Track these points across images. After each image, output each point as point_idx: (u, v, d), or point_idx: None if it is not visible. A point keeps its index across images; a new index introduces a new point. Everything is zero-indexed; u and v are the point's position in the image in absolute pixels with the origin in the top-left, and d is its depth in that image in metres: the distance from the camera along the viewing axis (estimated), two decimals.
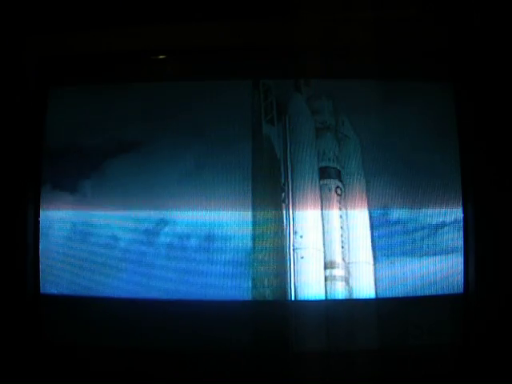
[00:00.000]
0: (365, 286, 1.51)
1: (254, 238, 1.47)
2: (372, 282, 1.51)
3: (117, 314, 1.48)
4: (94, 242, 1.50)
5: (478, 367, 1.43)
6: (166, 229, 1.47)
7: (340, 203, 1.52)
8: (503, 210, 1.50)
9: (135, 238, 1.47)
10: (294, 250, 1.47)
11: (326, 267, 1.49)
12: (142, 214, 1.47)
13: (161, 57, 1.55)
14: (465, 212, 1.53)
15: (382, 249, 1.52)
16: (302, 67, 1.55)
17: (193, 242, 1.47)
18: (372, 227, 1.52)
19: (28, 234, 1.48)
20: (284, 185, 1.49)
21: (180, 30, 1.52)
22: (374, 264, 1.51)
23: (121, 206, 1.48)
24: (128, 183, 1.49)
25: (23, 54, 1.49)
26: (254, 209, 1.48)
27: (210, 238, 1.46)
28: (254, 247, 1.47)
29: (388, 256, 1.52)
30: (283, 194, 1.49)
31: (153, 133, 1.51)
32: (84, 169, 1.51)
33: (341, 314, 1.49)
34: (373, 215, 1.53)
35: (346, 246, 1.51)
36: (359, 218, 1.52)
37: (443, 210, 1.55)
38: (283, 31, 1.52)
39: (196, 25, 1.52)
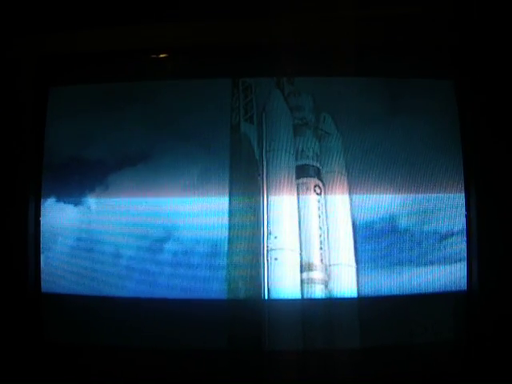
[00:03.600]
0: (346, 290, 1.43)
1: (229, 238, 1.43)
2: (354, 286, 1.43)
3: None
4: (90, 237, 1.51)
5: (481, 365, 1.39)
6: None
7: (319, 202, 1.45)
8: (507, 205, 1.43)
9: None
10: (268, 251, 1.42)
11: (303, 269, 1.43)
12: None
13: (152, 56, 1.55)
14: (467, 209, 1.46)
15: (365, 250, 1.44)
16: (284, 66, 1.50)
17: (167, 241, 1.45)
18: (355, 227, 1.44)
19: (29, 233, 1.49)
20: (262, 185, 1.45)
21: (182, 28, 1.51)
22: (357, 266, 1.43)
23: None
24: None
25: (21, 54, 1.51)
26: (230, 208, 1.45)
27: (184, 236, 1.44)
28: (229, 248, 1.43)
29: (372, 258, 1.43)
30: (260, 194, 1.45)
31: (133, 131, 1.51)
32: (83, 167, 1.52)
33: (320, 314, 1.43)
34: (356, 214, 1.45)
35: (325, 248, 1.43)
36: (340, 217, 1.45)
37: (438, 207, 1.45)
38: (263, 30, 1.49)
39: (200, 24, 1.51)
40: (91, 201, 1.50)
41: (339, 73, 1.51)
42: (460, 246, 1.46)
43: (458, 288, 1.44)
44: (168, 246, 1.44)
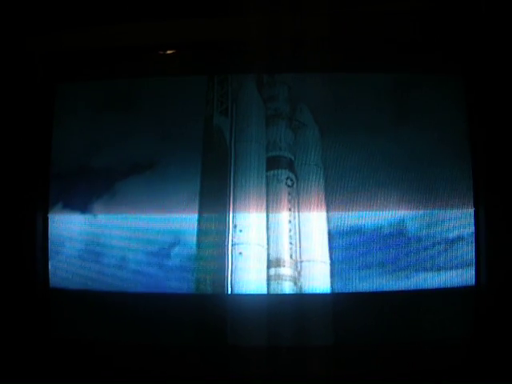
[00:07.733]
0: (317, 287, 1.33)
1: (197, 231, 1.38)
2: (326, 283, 1.32)
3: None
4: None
5: (488, 362, 1.33)
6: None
7: (291, 195, 1.37)
8: None
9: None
10: (232, 245, 1.35)
11: (271, 265, 1.35)
12: None
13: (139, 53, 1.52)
14: (476, 205, 1.37)
15: (339, 246, 1.33)
16: (264, 63, 1.45)
17: (136, 235, 1.41)
18: (329, 221, 1.35)
19: (37, 229, 1.47)
20: (230, 177, 1.39)
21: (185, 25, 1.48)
22: (331, 263, 1.33)
23: None
24: None
25: (28, 52, 1.51)
26: (200, 202, 1.40)
27: (147, 228, 1.40)
28: (197, 241, 1.37)
29: (346, 254, 1.33)
30: (226, 186, 1.39)
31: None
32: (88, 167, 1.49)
33: (286, 310, 1.35)
34: (331, 208, 1.35)
35: (295, 243, 1.34)
36: (314, 211, 1.36)
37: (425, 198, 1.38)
38: (242, 26, 1.46)
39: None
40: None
41: (328, 69, 1.44)
42: (461, 242, 1.38)
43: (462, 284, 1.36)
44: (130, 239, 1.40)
